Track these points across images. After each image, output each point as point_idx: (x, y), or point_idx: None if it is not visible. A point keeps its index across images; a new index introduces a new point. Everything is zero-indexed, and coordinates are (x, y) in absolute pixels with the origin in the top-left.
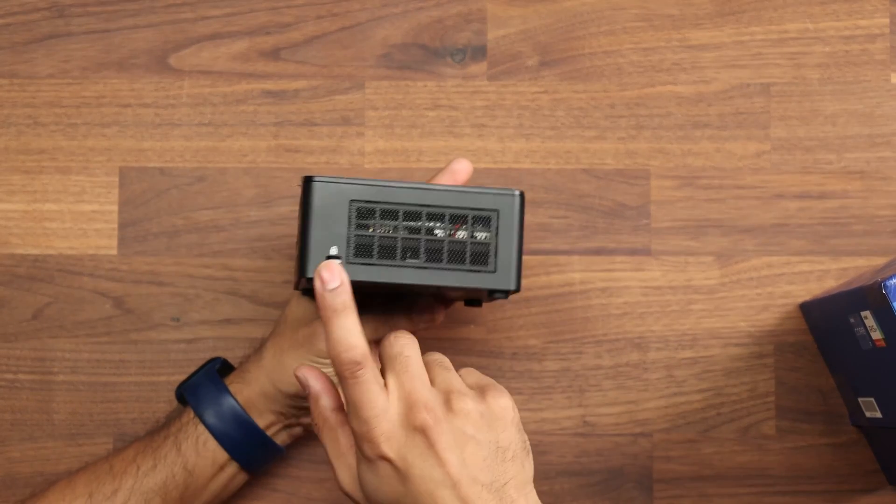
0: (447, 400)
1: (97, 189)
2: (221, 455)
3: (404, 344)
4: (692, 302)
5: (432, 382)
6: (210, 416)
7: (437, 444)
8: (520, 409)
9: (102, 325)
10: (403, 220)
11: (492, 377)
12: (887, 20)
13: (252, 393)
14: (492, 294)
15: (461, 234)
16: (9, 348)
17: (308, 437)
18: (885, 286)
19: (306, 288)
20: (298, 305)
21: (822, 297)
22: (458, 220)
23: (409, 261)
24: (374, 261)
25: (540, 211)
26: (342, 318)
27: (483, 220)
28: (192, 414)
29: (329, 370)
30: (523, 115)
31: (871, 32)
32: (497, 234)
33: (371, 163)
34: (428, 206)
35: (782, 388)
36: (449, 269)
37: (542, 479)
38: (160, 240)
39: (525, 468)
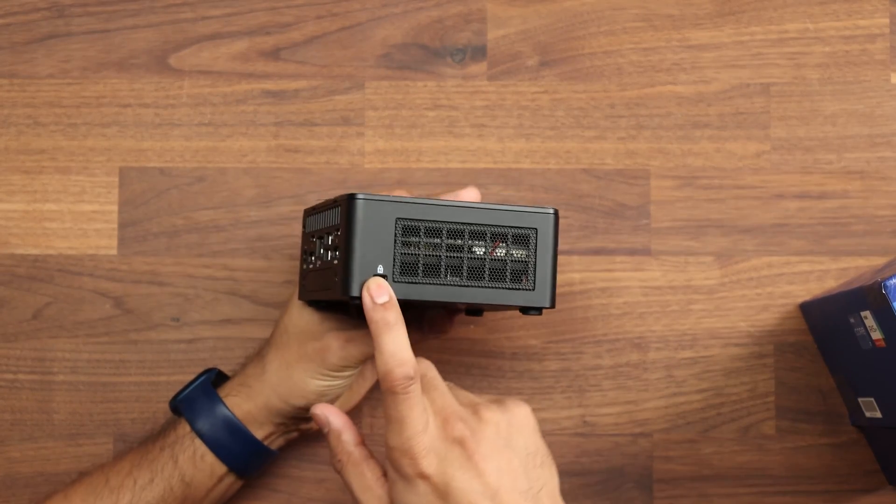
0: (475, 412)
1: (97, 189)
2: (219, 467)
3: (427, 366)
4: (692, 302)
5: (455, 399)
6: (207, 430)
7: (475, 455)
8: None
9: (102, 325)
10: (447, 238)
11: (492, 377)
12: (887, 20)
13: (254, 407)
14: (526, 310)
15: (500, 251)
16: (9, 348)
17: (305, 438)
18: (885, 286)
19: (314, 299)
20: (301, 317)
21: (822, 297)
22: (498, 237)
23: (451, 278)
24: (418, 279)
25: None
26: (394, 332)
27: (521, 238)
28: (187, 427)
29: (337, 383)
30: (523, 115)
31: (871, 32)
32: (535, 251)
33: (371, 163)
34: (470, 224)
35: (782, 388)
36: (490, 287)
37: None
38: (160, 240)
39: (553, 475)
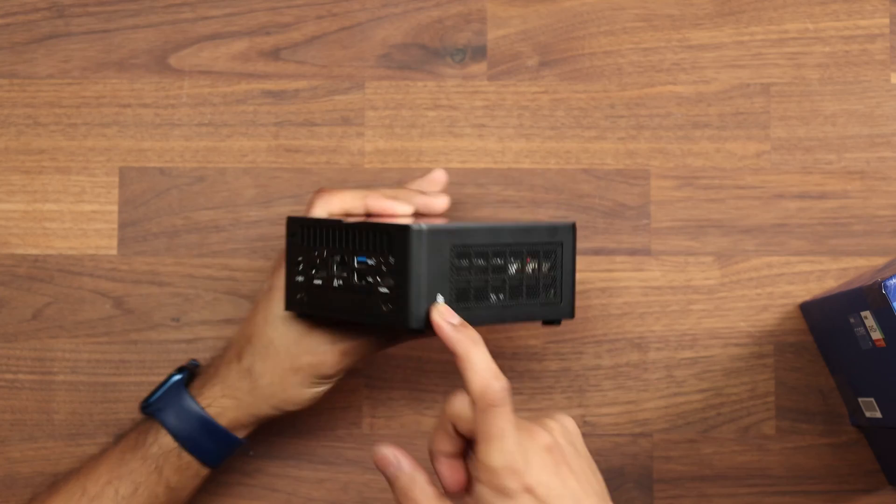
0: (542, 423)
1: (97, 189)
2: (204, 469)
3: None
4: (692, 302)
5: None
6: (194, 444)
7: (561, 462)
8: (520, 410)
9: (102, 325)
10: (492, 261)
11: None
12: (887, 20)
13: (242, 415)
14: (549, 322)
15: (530, 268)
16: (9, 348)
17: (305, 437)
18: (885, 286)
19: (316, 314)
20: (289, 330)
21: (822, 297)
22: (531, 255)
23: (495, 300)
24: (470, 303)
25: (540, 211)
26: (481, 349)
27: (549, 253)
28: (172, 442)
29: (330, 385)
30: (523, 115)
31: (871, 32)
32: (561, 264)
33: (371, 163)
34: (508, 244)
35: (782, 388)
36: (527, 304)
37: None
38: (160, 240)
39: (602, 482)
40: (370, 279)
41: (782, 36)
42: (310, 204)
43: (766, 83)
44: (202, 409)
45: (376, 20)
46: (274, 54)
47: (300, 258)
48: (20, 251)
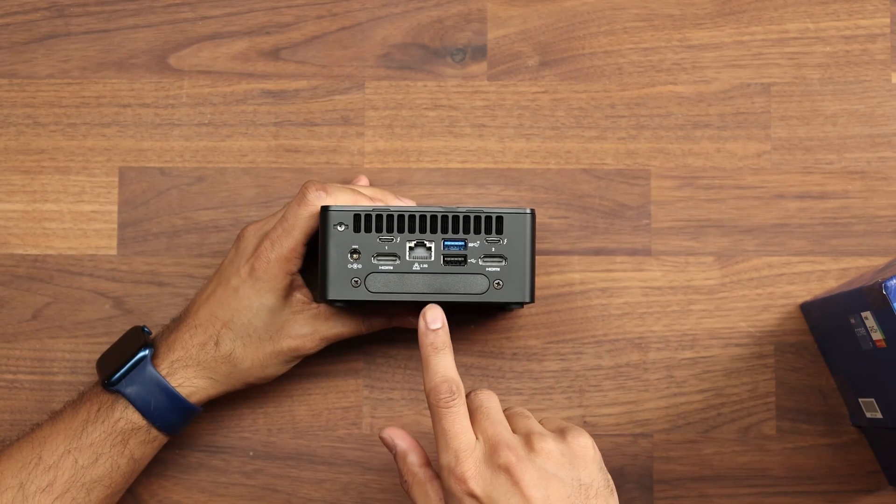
0: (528, 441)
1: (97, 189)
2: (165, 440)
3: (483, 398)
4: (692, 302)
5: (513, 428)
6: (166, 423)
7: (521, 482)
8: None
9: (102, 325)
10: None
11: (492, 377)
12: (888, 20)
13: (214, 392)
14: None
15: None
16: (9, 348)
17: (304, 437)
18: (886, 287)
19: (357, 300)
20: (275, 320)
21: (823, 297)
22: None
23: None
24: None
25: (540, 211)
26: (442, 354)
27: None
28: (142, 419)
29: (297, 362)
30: (523, 115)
31: (872, 32)
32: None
33: (371, 163)
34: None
35: (783, 389)
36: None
37: None
38: (160, 240)
39: None
40: (474, 261)
41: (783, 36)
42: (302, 197)
43: (766, 83)
44: (174, 388)
45: (376, 20)
46: (274, 54)
47: (354, 247)
48: (20, 251)
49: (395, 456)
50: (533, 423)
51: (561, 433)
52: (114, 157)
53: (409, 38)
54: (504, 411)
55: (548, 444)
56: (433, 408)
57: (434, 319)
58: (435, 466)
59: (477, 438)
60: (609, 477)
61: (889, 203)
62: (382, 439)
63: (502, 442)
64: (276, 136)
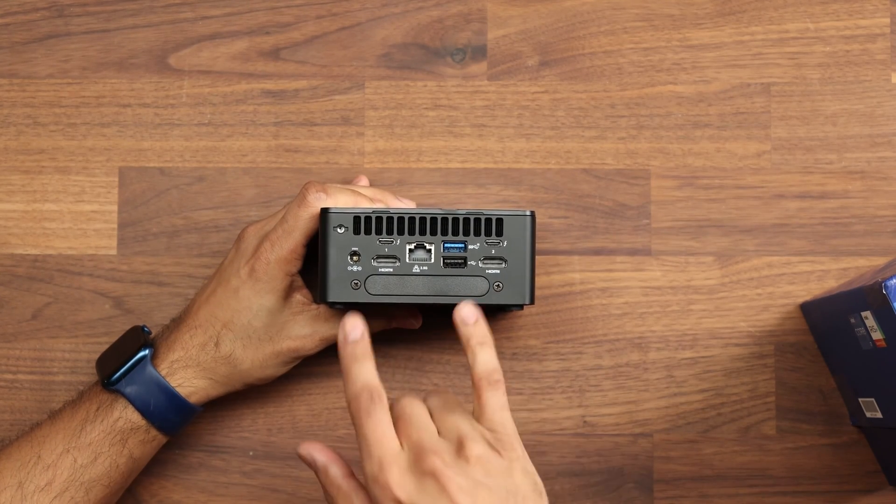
0: (458, 448)
1: (97, 189)
2: (165, 440)
3: (406, 403)
4: (692, 302)
5: (441, 430)
6: (167, 424)
7: (448, 488)
8: (520, 410)
9: (102, 325)
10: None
11: None
12: (888, 20)
13: (214, 392)
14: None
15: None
16: (9, 348)
17: (307, 435)
18: (886, 286)
19: (356, 302)
20: (275, 321)
21: (823, 297)
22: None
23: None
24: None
25: (540, 211)
26: (362, 362)
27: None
28: (142, 419)
29: (296, 363)
30: (523, 115)
31: (872, 32)
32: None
33: (371, 163)
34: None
35: (783, 389)
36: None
37: (542, 479)
38: (160, 240)
39: None
40: (474, 263)
41: (783, 36)
42: (303, 198)
43: (766, 83)
44: (174, 388)
45: (376, 20)
46: (274, 54)
47: (354, 249)
48: (20, 251)
49: (316, 471)
50: (461, 422)
51: (496, 439)
52: (114, 157)
53: (409, 38)
54: (430, 399)
55: (476, 451)
56: (354, 416)
57: (353, 328)
58: (359, 477)
59: (402, 446)
60: (537, 480)
61: (889, 203)
62: (301, 456)
63: (428, 447)
64: (276, 136)
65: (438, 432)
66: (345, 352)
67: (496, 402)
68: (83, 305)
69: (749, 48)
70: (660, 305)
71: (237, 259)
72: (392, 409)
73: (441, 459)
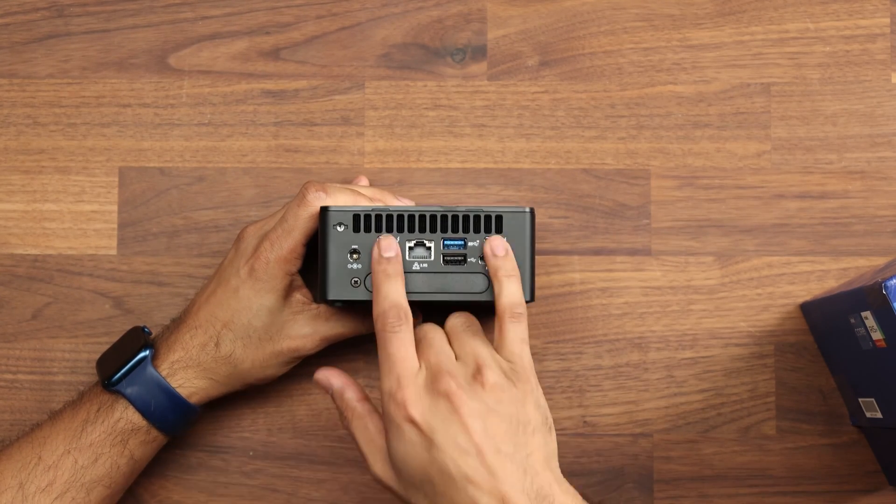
0: (475, 373)
1: (97, 189)
2: (166, 440)
3: (428, 328)
4: (692, 302)
5: (460, 354)
6: (168, 425)
7: (460, 410)
8: None
9: (102, 325)
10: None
11: None
12: (888, 20)
13: (215, 392)
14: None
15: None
16: (9, 348)
17: (304, 437)
18: (886, 286)
19: (355, 300)
20: (275, 320)
21: (823, 297)
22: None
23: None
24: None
25: (540, 211)
26: (393, 281)
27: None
28: (143, 420)
29: (297, 363)
30: (523, 115)
31: (872, 32)
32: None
33: (371, 163)
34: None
35: (783, 389)
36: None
37: None
38: (160, 240)
39: (547, 443)
40: (473, 260)
41: (783, 36)
42: (302, 197)
43: (766, 83)
44: (174, 389)
45: (376, 20)
46: (274, 54)
47: (354, 247)
48: (20, 251)
49: (332, 395)
50: (479, 347)
51: (512, 368)
52: (114, 157)
53: (409, 38)
54: (453, 318)
55: (491, 378)
56: (379, 333)
57: (388, 248)
58: (374, 401)
59: (420, 366)
60: (548, 415)
61: (889, 203)
62: (317, 381)
63: (444, 369)
64: (276, 136)
65: (457, 356)
66: (378, 267)
67: (516, 334)
68: (83, 305)
69: (749, 48)
70: (660, 305)
71: (237, 259)
72: (415, 332)
73: (456, 382)
